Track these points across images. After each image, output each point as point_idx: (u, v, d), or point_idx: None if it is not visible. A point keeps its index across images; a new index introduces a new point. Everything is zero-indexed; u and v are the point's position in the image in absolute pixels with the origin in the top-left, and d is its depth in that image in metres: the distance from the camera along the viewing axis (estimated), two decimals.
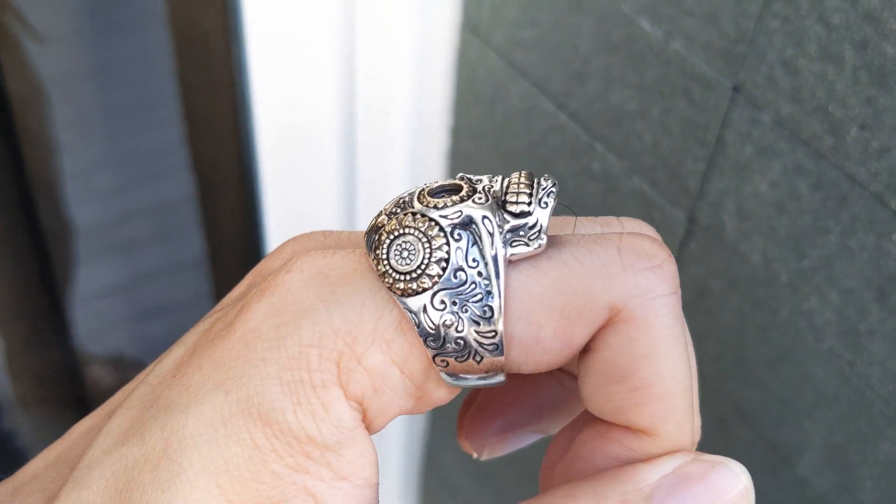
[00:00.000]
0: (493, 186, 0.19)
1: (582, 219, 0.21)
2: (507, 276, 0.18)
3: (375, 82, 0.52)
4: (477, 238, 0.18)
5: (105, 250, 0.70)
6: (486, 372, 0.18)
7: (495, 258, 0.18)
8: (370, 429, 0.19)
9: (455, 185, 0.19)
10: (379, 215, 0.19)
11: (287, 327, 0.18)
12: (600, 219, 0.22)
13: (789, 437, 0.37)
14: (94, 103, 0.61)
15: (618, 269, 0.18)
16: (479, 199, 0.18)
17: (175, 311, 0.80)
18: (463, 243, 0.18)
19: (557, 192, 0.19)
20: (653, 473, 0.19)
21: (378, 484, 0.19)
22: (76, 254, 0.69)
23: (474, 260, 0.18)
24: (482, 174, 0.19)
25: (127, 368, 0.79)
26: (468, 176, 0.19)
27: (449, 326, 0.18)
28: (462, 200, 0.18)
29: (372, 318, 0.18)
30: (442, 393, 0.19)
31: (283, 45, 0.51)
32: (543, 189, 0.19)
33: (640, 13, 0.36)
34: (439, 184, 0.19)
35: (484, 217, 0.18)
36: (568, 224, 0.21)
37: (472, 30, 0.46)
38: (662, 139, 0.38)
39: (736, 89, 0.34)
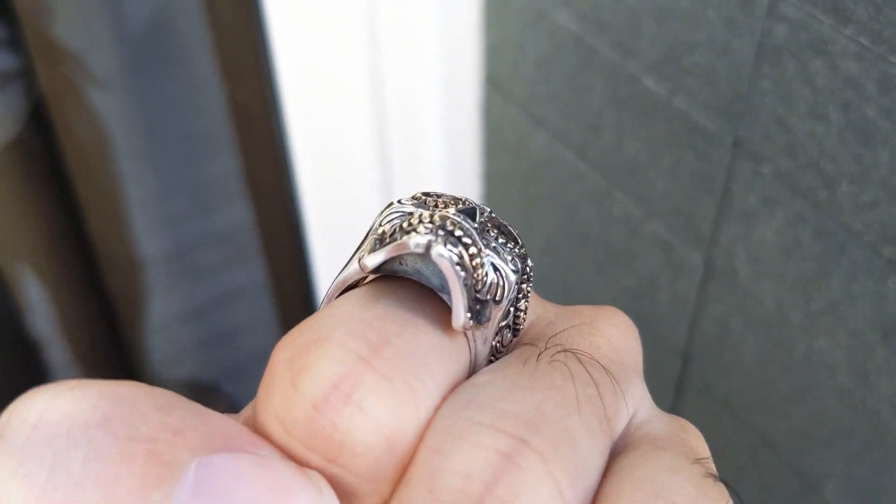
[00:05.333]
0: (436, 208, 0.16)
1: (569, 312, 0.18)
2: (346, 287, 0.16)
3: (408, 129, 0.55)
4: None
5: (172, 279, 0.75)
6: None
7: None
8: None
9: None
10: None
11: None
12: (582, 315, 0.18)
13: (814, 467, 0.38)
14: (149, 138, 0.65)
15: (273, 377, 0.14)
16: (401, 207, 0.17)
17: (244, 335, 0.84)
18: None
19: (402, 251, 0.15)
20: None
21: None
22: (145, 283, 0.73)
23: None
24: (513, 218, 0.19)
25: (202, 392, 0.84)
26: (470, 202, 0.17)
27: None
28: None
29: None
30: None
31: (320, 110, 0.54)
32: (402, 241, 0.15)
33: (644, 72, 0.38)
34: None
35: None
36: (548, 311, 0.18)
37: (494, 85, 0.49)
38: (674, 188, 0.39)
39: (736, 144, 0.35)
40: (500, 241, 0.16)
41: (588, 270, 0.47)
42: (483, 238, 0.16)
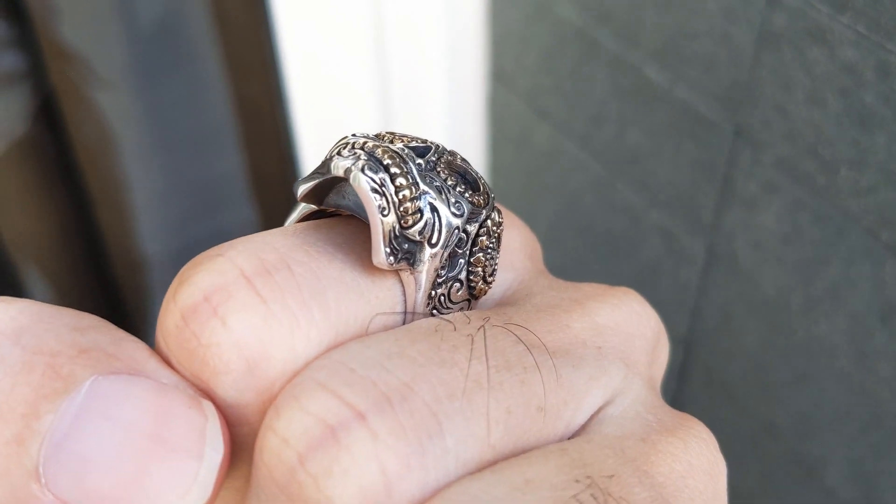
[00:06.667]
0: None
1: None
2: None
3: (414, 123, 0.56)
4: None
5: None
6: None
7: None
8: None
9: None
10: None
11: None
12: (573, 288, 0.17)
13: (814, 451, 0.39)
14: (157, 137, 0.66)
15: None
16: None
17: None
18: None
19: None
20: None
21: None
22: (153, 280, 0.74)
23: None
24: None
25: None
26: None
27: None
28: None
29: None
30: None
31: (325, 105, 0.55)
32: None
33: (646, 62, 0.39)
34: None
35: None
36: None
37: (498, 77, 0.50)
38: (676, 177, 0.40)
39: (736, 132, 0.36)
40: (450, 183, 0.15)
41: (591, 259, 0.48)
42: (425, 176, 0.14)
